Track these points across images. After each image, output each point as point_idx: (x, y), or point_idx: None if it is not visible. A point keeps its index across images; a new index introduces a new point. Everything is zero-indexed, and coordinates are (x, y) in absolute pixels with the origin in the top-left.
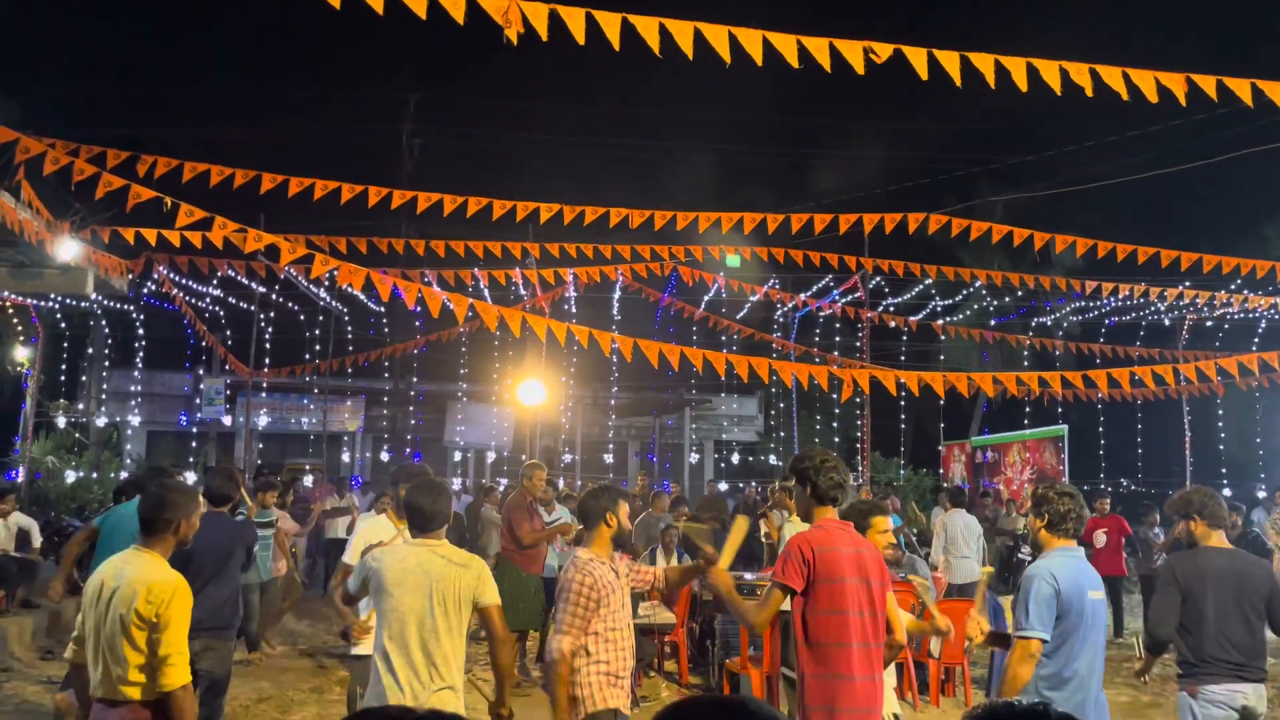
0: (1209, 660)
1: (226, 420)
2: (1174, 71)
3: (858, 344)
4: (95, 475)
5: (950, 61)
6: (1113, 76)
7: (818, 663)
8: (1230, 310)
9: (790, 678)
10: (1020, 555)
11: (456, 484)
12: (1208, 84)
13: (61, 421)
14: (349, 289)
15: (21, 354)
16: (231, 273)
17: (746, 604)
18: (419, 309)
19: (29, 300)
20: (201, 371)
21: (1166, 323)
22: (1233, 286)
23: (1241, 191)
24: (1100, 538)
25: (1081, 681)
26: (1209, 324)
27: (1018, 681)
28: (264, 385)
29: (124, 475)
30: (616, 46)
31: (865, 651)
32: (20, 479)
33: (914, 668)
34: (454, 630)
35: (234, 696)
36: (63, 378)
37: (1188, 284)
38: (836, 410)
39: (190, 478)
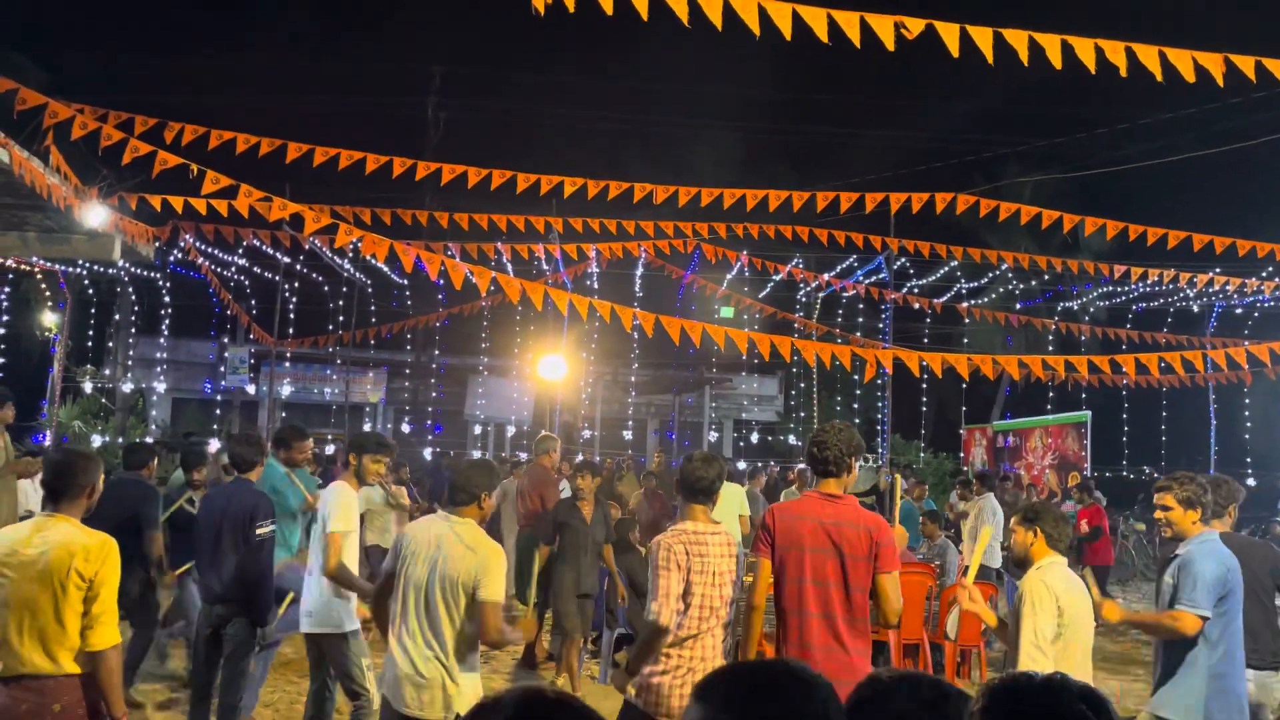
0: None
1: (250, 389)
2: (1212, 51)
3: (881, 325)
4: (121, 440)
5: (983, 37)
6: (1149, 56)
7: (781, 629)
8: (1261, 296)
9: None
10: None
11: (476, 457)
12: (1246, 64)
13: (88, 387)
14: (372, 260)
15: (49, 319)
16: (257, 242)
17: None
18: (441, 281)
19: (57, 266)
20: (226, 340)
21: (1195, 309)
22: (1265, 273)
23: (1277, 176)
24: (1081, 526)
25: (1240, 670)
26: (1238, 311)
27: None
28: (287, 355)
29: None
30: (645, 17)
31: (827, 622)
32: (47, 443)
33: (930, 649)
34: (448, 608)
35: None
36: (90, 343)
37: (1218, 270)
38: (858, 391)
39: (214, 445)
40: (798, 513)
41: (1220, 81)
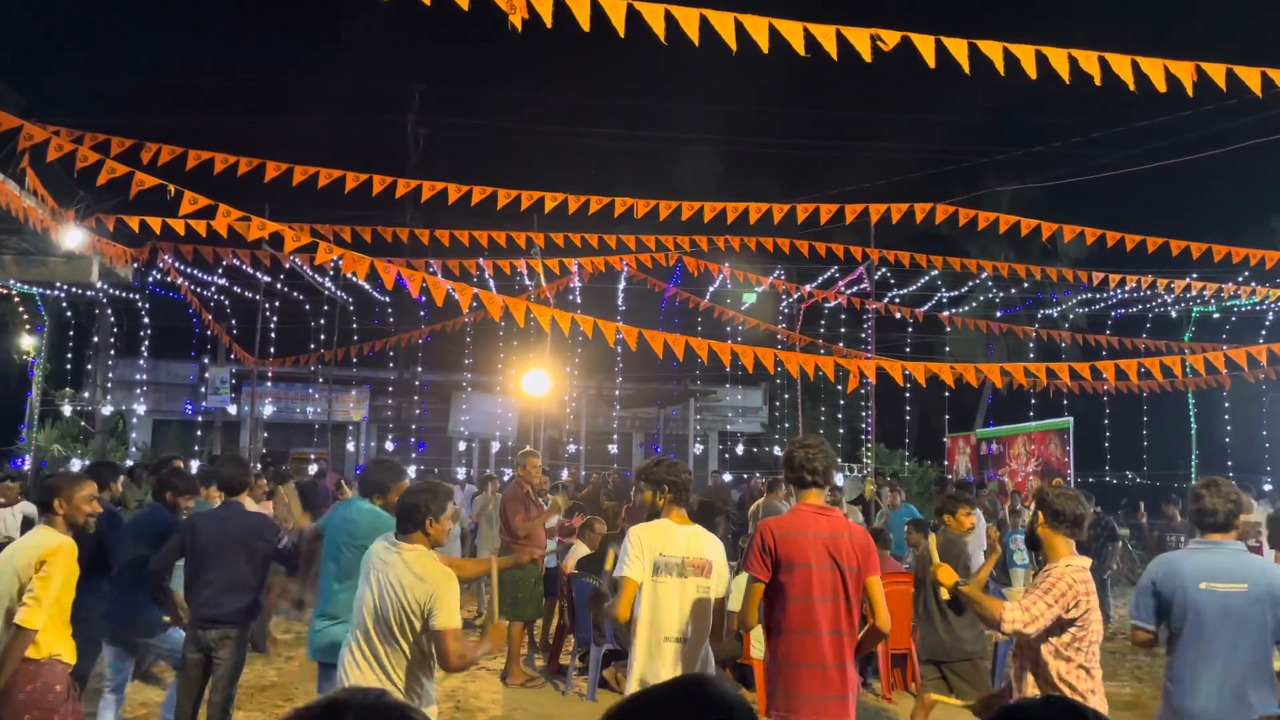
0: None
1: (231, 409)
2: (1183, 60)
3: (863, 335)
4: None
5: (958, 49)
6: (1121, 65)
7: (783, 650)
8: (1238, 301)
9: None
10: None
11: (461, 474)
12: (1217, 73)
13: (67, 410)
14: (353, 278)
15: (27, 342)
16: (236, 261)
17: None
18: (423, 298)
19: (35, 289)
20: (207, 360)
21: (1173, 314)
22: (1240, 278)
23: (1251, 182)
24: None
25: (1192, 684)
26: (1216, 315)
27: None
28: (269, 374)
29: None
30: (621, 33)
31: (836, 639)
32: (26, 467)
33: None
34: (401, 639)
35: (239, 683)
36: (68, 366)
37: (1195, 275)
38: (841, 401)
39: (195, 466)
40: (797, 528)
41: (1190, 90)
